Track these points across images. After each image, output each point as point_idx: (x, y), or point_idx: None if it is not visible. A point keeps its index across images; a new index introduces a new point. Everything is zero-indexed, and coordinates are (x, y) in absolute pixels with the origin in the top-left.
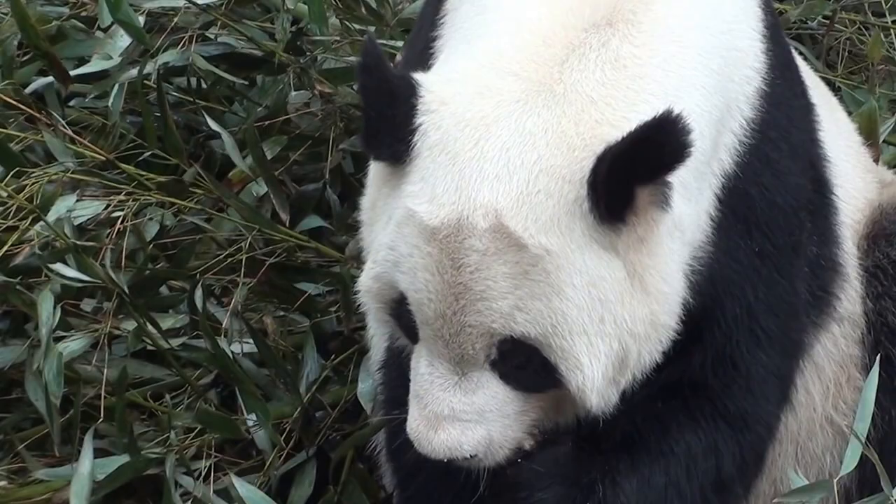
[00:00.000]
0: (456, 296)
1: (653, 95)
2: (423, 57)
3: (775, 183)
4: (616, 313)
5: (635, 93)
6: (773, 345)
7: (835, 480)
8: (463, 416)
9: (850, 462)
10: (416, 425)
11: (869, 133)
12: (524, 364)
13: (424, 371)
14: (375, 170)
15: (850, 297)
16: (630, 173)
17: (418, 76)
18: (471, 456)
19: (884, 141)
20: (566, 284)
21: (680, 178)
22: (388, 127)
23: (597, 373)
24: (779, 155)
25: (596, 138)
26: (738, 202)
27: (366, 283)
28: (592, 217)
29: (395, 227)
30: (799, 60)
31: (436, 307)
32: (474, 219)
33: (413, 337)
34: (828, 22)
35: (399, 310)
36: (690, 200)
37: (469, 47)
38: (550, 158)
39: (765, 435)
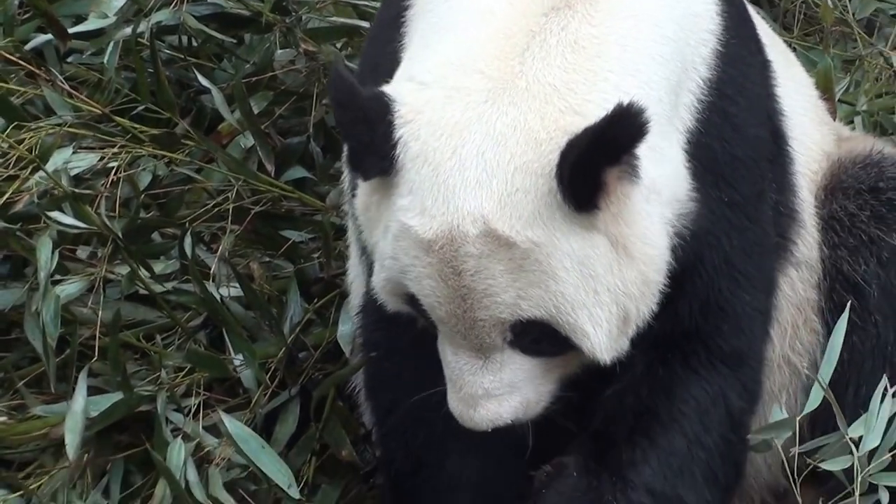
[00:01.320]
0: (462, 297)
1: (612, 73)
2: (389, 49)
3: (735, 136)
4: (608, 283)
5: (595, 73)
6: (753, 284)
7: (797, 418)
8: (496, 392)
9: (814, 402)
10: (455, 406)
11: (825, 91)
12: (539, 338)
13: (451, 359)
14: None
15: (807, 242)
16: (594, 163)
17: (389, 90)
18: (511, 420)
19: (839, 100)
20: (558, 269)
21: (647, 145)
22: (371, 149)
23: (602, 336)
24: (736, 109)
25: (559, 130)
26: (703, 155)
27: (378, 283)
28: (568, 206)
29: (393, 239)
30: (756, 19)
31: (446, 309)
32: (464, 227)
33: (433, 325)
34: None
35: (414, 303)
36: (662, 162)
37: (436, 41)
38: (522, 156)
39: (758, 367)
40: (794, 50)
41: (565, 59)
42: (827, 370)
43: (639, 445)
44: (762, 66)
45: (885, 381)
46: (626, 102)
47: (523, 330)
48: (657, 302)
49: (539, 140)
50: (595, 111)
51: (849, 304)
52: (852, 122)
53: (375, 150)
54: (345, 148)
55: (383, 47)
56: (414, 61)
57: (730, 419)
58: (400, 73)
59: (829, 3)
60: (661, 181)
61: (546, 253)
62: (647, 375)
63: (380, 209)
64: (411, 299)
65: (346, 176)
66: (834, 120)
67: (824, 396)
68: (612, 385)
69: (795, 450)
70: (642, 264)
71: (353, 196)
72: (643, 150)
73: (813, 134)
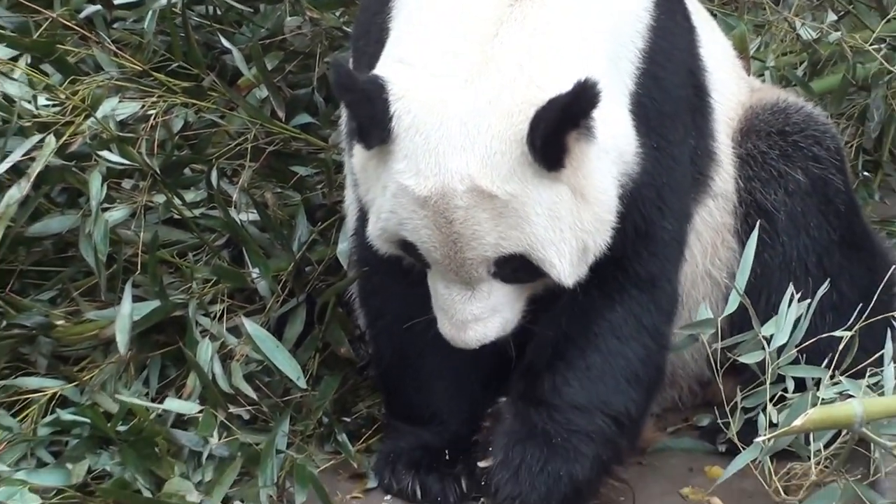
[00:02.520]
0: (454, 241)
1: (565, 53)
2: (378, 20)
3: (663, 95)
4: (570, 223)
5: (551, 54)
6: (674, 215)
7: (719, 319)
8: (482, 316)
9: (732, 305)
10: (448, 331)
11: (741, 51)
12: (517, 268)
13: (443, 291)
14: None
15: (724, 178)
16: (559, 130)
17: (382, 72)
18: (494, 337)
19: (752, 57)
20: (531, 214)
21: (598, 111)
22: (373, 122)
23: (566, 265)
24: (664, 73)
25: (526, 103)
26: (639, 112)
27: (374, 232)
28: (538, 166)
29: (392, 197)
30: None
31: (440, 252)
32: (454, 185)
33: (424, 264)
34: None
35: (407, 247)
36: (611, 124)
37: (418, 25)
38: (497, 125)
39: (671, 287)
40: (715, 17)
41: (528, 42)
42: (742, 279)
43: (558, 371)
44: (688, 32)
45: (791, 289)
46: (583, 78)
47: (504, 263)
48: (611, 236)
49: (510, 112)
50: (553, 85)
51: (758, 225)
52: (763, 75)
53: (377, 124)
54: (343, 114)
55: (373, 17)
56: (400, 42)
57: (645, 331)
58: (388, 53)
59: None
60: (611, 140)
61: (521, 202)
62: (570, 304)
63: (377, 171)
64: (404, 245)
65: (343, 128)
66: (748, 74)
67: (741, 301)
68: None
69: (717, 346)
70: (596, 207)
71: (351, 147)
72: (596, 115)
73: (730, 87)
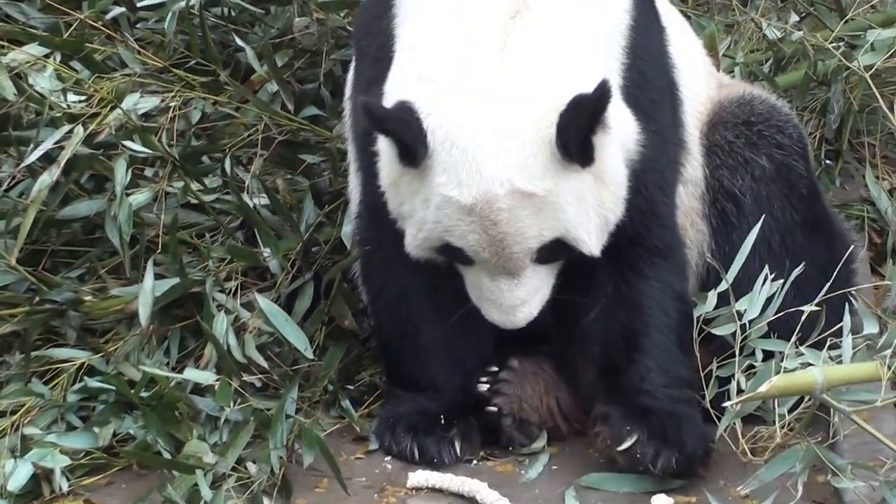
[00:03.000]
0: (500, 241)
1: (568, 59)
2: (381, 23)
3: (648, 85)
4: (594, 204)
5: (559, 57)
6: (669, 190)
7: (711, 293)
8: (527, 298)
9: (723, 286)
10: (497, 317)
11: (711, 49)
12: (554, 250)
13: (490, 284)
14: (392, 159)
15: (693, 165)
16: (587, 130)
17: (405, 91)
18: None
19: (722, 55)
20: (565, 203)
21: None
22: (412, 143)
23: (594, 239)
24: (646, 66)
25: (550, 108)
26: (632, 102)
27: (414, 242)
28: (567, 161)
29: (436, 209)
30: None
31: (489, 252)
32: (495, 190)
33: (466, 263)
34: None
35: (449, 251)
36: (615, 115)
37: (427, 38)
38: (527, 132)
39: (681, 249)
40: (689, 18)
41: (535, 52)
42: (735, 267)
43: (639, 361)
44: (661, 33)
45: (766, 269)
46: (600, 81)
47: (544, 249)
48: (625, 208)
49: (536, 118)
50: (567, 88)
51: (726, 213)
52: (732, 72)
53: (415, 143)
54: (346, 107)
55: (374, 19)
56: (413, 56)
57: (678, 297)
58: (402, 67)
59: None
60: (618, 129)
61: (555, 195)
62: (618, 296)
63: (412, 186)
64: (446, 249)
65: (347, 120)
66: (718, 71)
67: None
68: (585, 304)
69: (699, 320)
70: (613, 186)
71: (358, 143)
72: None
73: (700, 82)
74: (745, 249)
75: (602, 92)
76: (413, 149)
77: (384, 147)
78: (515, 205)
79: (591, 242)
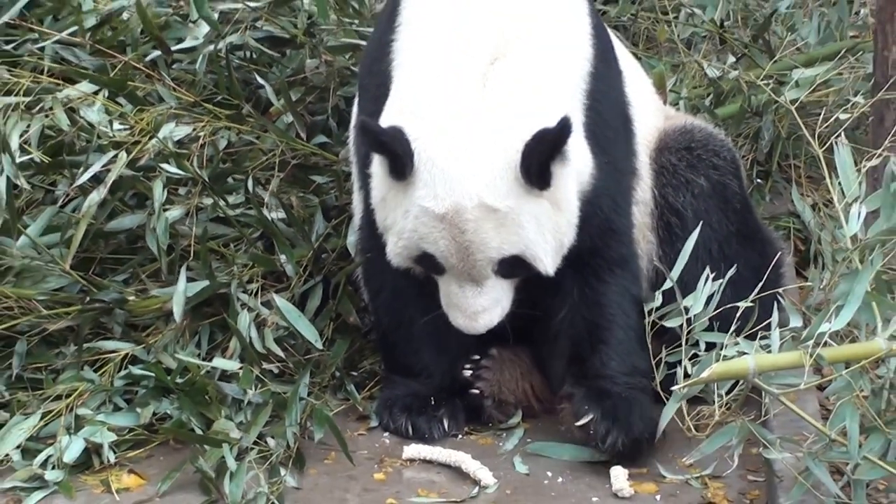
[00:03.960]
0: (466, 248)
1: (537, 98)
2: (381, 65)
3: (605, 124)
4: (550, 228)
5: (528, 97)
6: (624, 210)
7: (658, 291)
8: (489, 307)
9: (667, 284)
10: (462, 322)
11: (659, 86)
12: (513, 265)
13: (457, 290)
14: (382, 179)
15: (643, 188)
16: (545, 160)
17: (398, 122)
18: (497, 322)
19: (669, 91)
20: (524, 222)
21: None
22: (401, 159)
23: (549, 260)
24: (603, 108)
25: (516, 138)
26: (591, 137)
27: (395, 250)
28: (528, 185)
29: (414, 218)
30: (615, 40)
31: (456, 258)
32: (465, 203)
33: (438, 272)
34: (633, 16)
35: (423, 260)
36: (574, 150)
37: (418, 80)
38: (496, 157)
39: (636, 260)
40: (640, 59)
41: (509, 92)
42: (677, 268)
43: (602, 351)
44: (617, 74)
45: (707, 270)
46: (562, 116)
47: (505, 263)
48: (575, 234)
49: (505, 146)
50: (533, 122)
51: (672, 226)
52: (678, 105)
53: (403, 160)
54: (350, 135)
55: (373, 62)
56: (405, 95)
57: (635, 300)
58: (396, 103)
59: (665, 27)
60: (575, 160)
61: (516, 213)
62: (582, 298)
63: (396, 200)
64: (421, 258)
65: (351, 147)
66: (665, 104)
67: (668, 281)
68: (554, 307)
69: (651, 315)
70: (567, 213)
71: (361, 166)
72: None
73: (649, 115)
74: (684, 253)
75: (562, 127)
76: (402, 162)
77: (376, 169)
78: (481, 217)
79: (547, 262)
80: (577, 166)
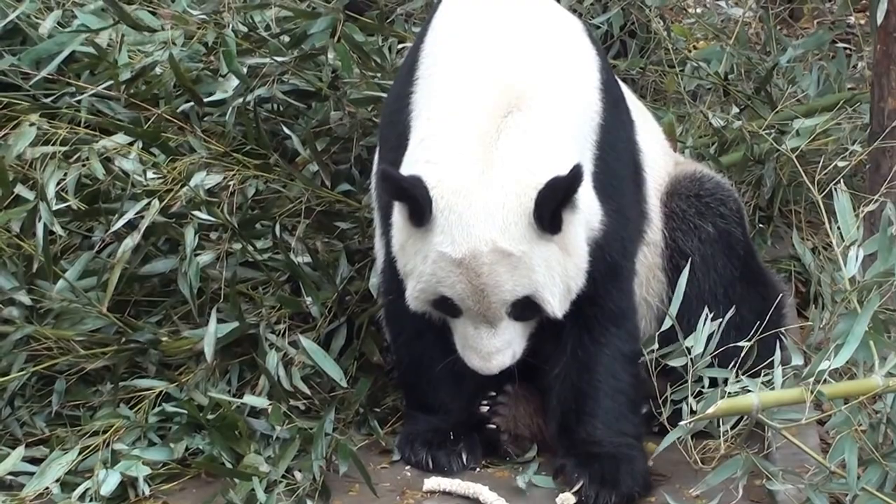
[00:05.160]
0: (481, 291)
1: (549, 149)
2: (401, 116)
3: (613, 174)
4: (560, 272)
5: (540, 148)
6: (630, 257)
7: (656, 334)
8: (502, 348)
9: (666, 325)
10: (476, 363)
11: (669, 134)
12: (525, 307)
13: (472, 332)
14: (401, 227)
15: (654, 230)
16: (556, 206)
17: (416, 171)
18: (509, 365)
19: (677, 139)
20: (536, 265)
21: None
22: (419, 206)
23: (557, 302)
24: (611, 158)
25: (529, 186)
26: (600, 187)
27: (413, 294)
28: (541, 231)
29: (432, 263)
30: (626, 90)
31: (472, 301)
32: (480, 248)
33: (454, 315)
34: (642, 70)
35: (440, 303)
36: (583, 198)
37: (436, 130)
38: (510, 204)
39: (634, 314)
40: (649, 110)
41: (522, 143)
42: (674, 307)
43: (587, 423)
44: (630, 124)
45: (706, 312)
46: (573, 166)
47: (517, 304)
48: (584, 279)
49: (518, 193)
50: (545, 172)
51: (686, 269)
52: (684, 152)
53: (422, 207)
54: (372, 183)
55: (392, 114)
56: (424, 146)
57: (627, 360)
58: (414, 153)
59: (672, 80)
60: (585, 208)
61: (528, 257)
62: (574, 358)
63: (415, 246)
64: (438, 301)
65: (373, 194)
66: (674, 151)
67: (671, 322)
68: (552, 359)
69: (653, 355)
70: (576, 258)
71: (382, 212)
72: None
73: (660, 161)
74: (679, 291)
75: (574, 175)
76: (420, 208)
77: (396, 218)
78: (496, 261)
79: (555, 304)
80: (586, 214)
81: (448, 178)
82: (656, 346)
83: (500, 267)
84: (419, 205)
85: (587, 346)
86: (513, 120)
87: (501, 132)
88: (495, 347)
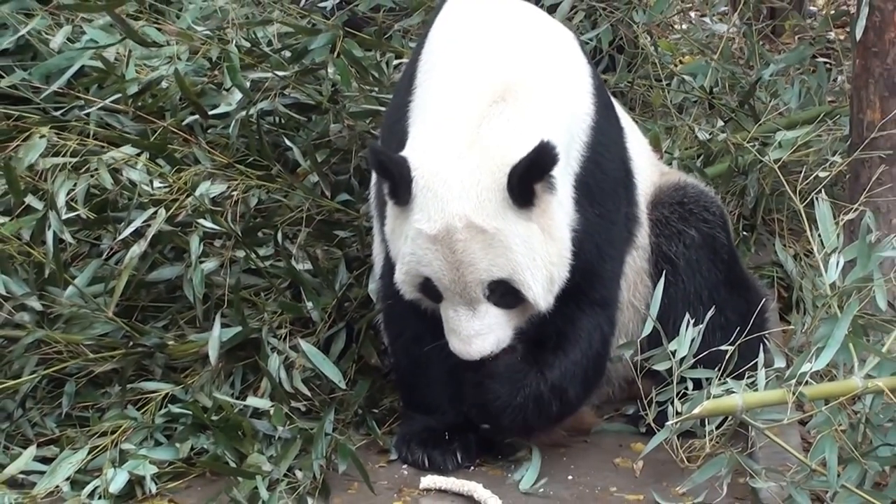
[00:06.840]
0: (457, 267)
1: (531, 132)
2: (400, 123)
3: (602, 176)
4: (541, 254)
5: (521, 132)
6: (613, 259)
7: (639, 339)
8: (482, 332)
9: (648, 328)
10: (457, 346)
11: (655, 146)
12: (505, 292)
13: (452, 315)
14: (390, 211)
15: (643, 235)
16: (528, 179)
17: (406, 154)
18: (491, 352)
19: (664, 151)
20: (512, 244)
21: (556, 174)
22: (401, 185)
23: (539, 289)
24: (602, 159)
25: (505, 164)
26: (584, 188)
27: (400, 277)
28: (516, 206)
29: (411, 241)
30: (615, 102)
31: (448, 278)
32: (455, 224)
33: (437, 299)
34: (630, 83)
35: (424, 286)
36: (562, 188)
37: (428, 125)
38: (485, 182)
39: (615, 307)
40: (636, 122)
41: (503, 129)
42: (654, 309)
43: (556, 355)
44: (619, 130)
45: (687, 316)
46: (545, 140)
47: (495, 287)
48: (568, 270)
49: (493, 170)
50: (522, 152)
51: (664, 273)
52: (671, 163)
53: (403, 186)
54: (371, 192)
55: (397, 123)
56: (416, 135)
57: (603, 340)
58: (409, 144)
59: (659, 94)
60: (563, 198)
61: (504, 235)
62: (558, 314)
63: (401, 226)
64: (423, 285)
65: (372, 202)
66: (660, 161)
67: (654, 325)
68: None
69: (638, 357)
70: (559, 243)
71: (380, 217)
72: (556, 175)
73: (647, 171)
74: (658, 293)
75: (543, 146)
76: (401, 186)
77: (390, 206)
78: (470, 237)
79: (537, 290)
80: (562, 201)
81: (429, 158)
82: (639, 348)
83: (474, 244)
84: (400, 182)
85: (572, 311)
86: (497, 108)
87: (485, 118)
88: (474, 330)
